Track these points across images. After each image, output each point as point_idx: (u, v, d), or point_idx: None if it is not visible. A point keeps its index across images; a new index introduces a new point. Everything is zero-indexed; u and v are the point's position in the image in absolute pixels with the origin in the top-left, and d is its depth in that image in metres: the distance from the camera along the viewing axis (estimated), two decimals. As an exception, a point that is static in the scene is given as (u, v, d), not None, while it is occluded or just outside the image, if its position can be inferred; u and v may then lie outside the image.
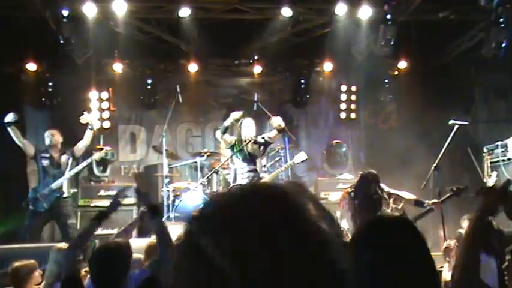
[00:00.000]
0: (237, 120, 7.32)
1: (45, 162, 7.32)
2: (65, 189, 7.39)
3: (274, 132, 7.39)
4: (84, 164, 7.48)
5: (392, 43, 8.06)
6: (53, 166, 7.35)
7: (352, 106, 9.89)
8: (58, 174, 7.34)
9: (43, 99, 8.96)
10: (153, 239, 4.17)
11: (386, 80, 9.62)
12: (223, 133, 7.33)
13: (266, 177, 7.73)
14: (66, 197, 7.42)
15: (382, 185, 6.11)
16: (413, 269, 1.45)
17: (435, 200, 6.03)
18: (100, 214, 3.79)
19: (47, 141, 7.42)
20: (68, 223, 7.25)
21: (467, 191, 5.89)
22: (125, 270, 3.29)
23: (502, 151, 7.70)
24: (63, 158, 7.41)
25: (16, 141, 7.21)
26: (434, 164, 6.51)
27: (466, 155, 8.01)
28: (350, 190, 6.29)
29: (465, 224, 5.54)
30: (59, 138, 7.45)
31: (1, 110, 8.34)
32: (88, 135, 7.46)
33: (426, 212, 5.96)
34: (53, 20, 7.74)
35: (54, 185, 7.26)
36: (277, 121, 7.36)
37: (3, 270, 4.77)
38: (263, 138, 7.42)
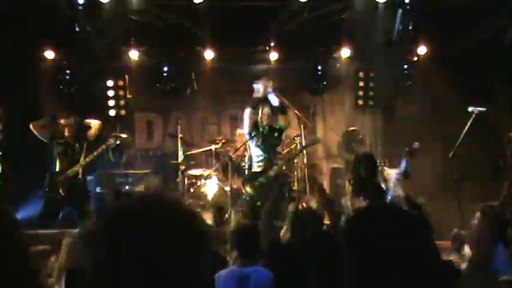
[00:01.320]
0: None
1: (61, 149, 7.37)
2: (80, 175, 7.44)
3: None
4: (100, 150, 7.51)
5: (410, 28, 7.91)
6: (68, 152, 7.40)
7: (370, 93, 9.73)
8: (74, 161, 7.39)
9: (60, 87, 9.02)
10: None
11: (405, 66, 9.42)
12: (254, 107, 7.35)
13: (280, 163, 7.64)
14: (81, 183, 7.48)
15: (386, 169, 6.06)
16: (409, 258, 1.35)
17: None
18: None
19: (62, 129, 7.46)
20: (84, 209, 7.32)
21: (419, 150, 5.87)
22: None
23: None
24: (79, 144, 7.46)
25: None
26: (453, 151, 6.40)
27: (486, 143, 7.85)
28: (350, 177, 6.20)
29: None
30: (72, 125, 7.47)
31: (19, 97, 8.46)
32: (95, 124, 7.53)
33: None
34: (69, 7, 7.76)
35: (70, 171, 7.32)
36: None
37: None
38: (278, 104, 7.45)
